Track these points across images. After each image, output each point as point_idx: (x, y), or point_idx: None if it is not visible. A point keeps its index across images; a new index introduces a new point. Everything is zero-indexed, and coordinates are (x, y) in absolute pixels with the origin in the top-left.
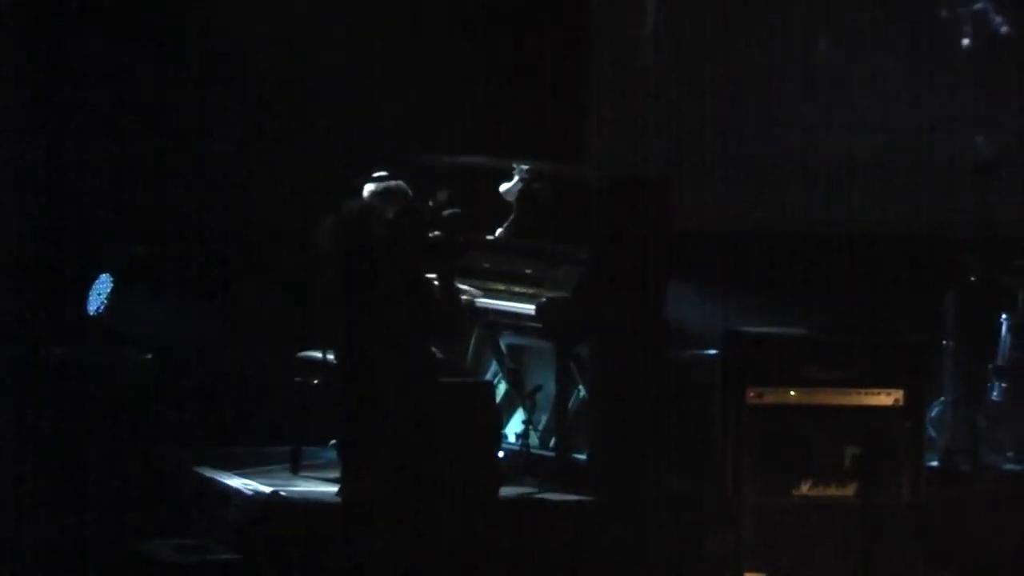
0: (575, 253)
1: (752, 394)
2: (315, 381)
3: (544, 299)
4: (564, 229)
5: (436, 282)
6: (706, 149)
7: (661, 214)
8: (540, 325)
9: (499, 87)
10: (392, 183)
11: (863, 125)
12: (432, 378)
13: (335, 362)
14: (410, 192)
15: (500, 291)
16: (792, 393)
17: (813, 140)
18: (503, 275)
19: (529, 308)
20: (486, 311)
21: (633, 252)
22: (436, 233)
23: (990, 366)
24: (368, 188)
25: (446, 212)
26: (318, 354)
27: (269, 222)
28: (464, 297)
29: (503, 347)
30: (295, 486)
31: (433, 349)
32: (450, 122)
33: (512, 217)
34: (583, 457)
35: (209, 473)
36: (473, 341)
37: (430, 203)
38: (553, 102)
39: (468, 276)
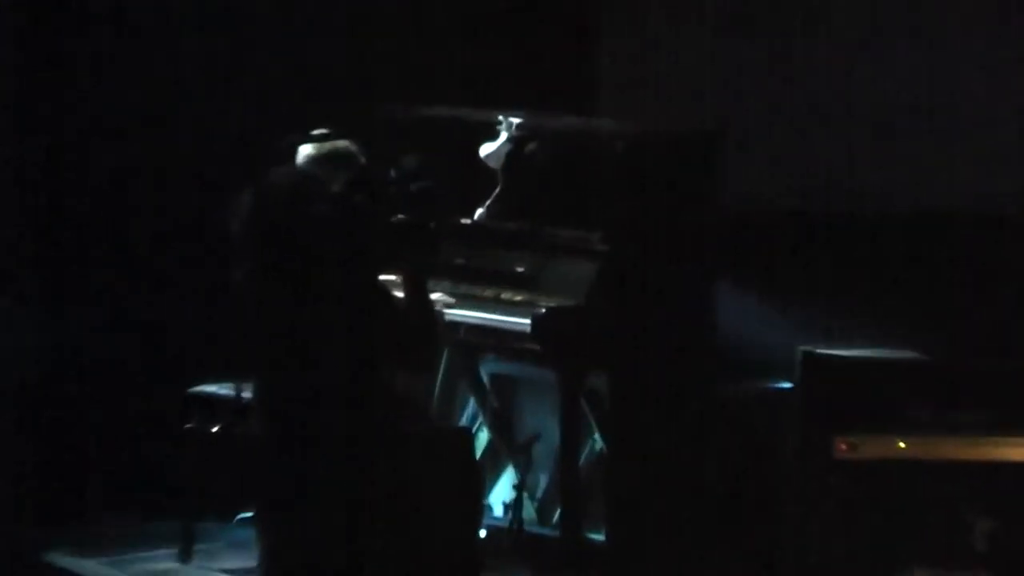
0: (588, 242)
1: (843, 445)
2: (215, 428)
3: (543, 308)
4: (572, 207)
5: (401, 285)
6: (778, 104)
7: (711, 185)
8: (538, 346)
9: (480, 14)
10: (339, 144)
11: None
12: (390, 423)
13: (253, 399)
14: (363, 157)
15: (481, 298)
16: (900, 444)
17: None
18: (485, 275)
19: (522, 322)
20: (461, 327)
21: (670, 239)
22: (400, 217)
23: None
24: (304, 151)
25: (415, 186)
26: (222, 389)
27: (163, 200)
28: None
29: (485, 378)
30: None
31: (392, 381)
32: (414, 62)
33: (497, 192)
34: (600, 537)
35: (66, 562)
36: (443, 370)
37: (392, 173)
38: (554, 33)
39: (436, 277)
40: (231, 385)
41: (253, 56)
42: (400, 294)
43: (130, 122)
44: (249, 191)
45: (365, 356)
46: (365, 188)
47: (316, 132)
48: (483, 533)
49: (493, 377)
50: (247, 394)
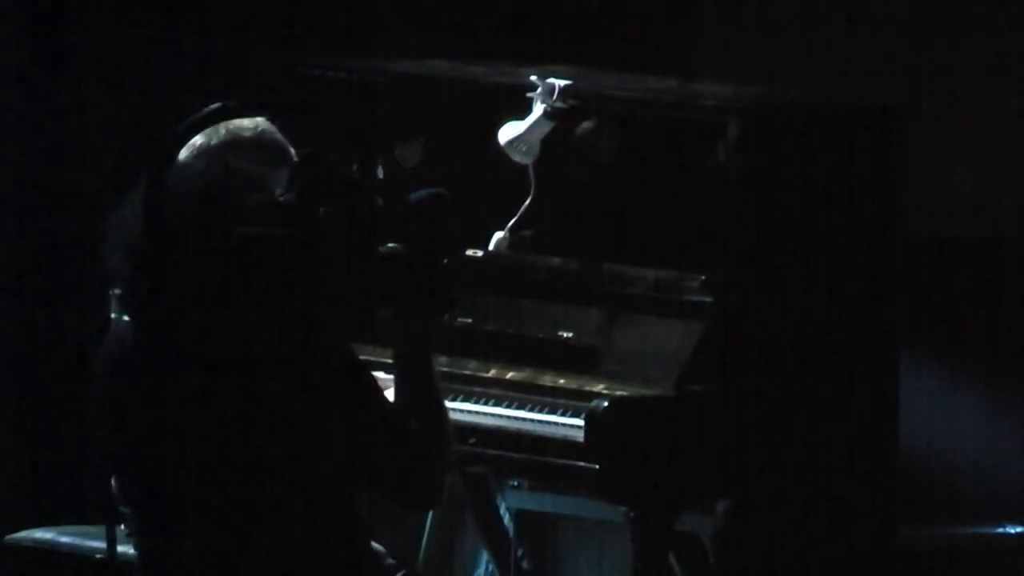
0: (682, 289)
1: None
2: None
3: (605, 402)
4: (654, 231)
5: (390, 363)
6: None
7: (891, 193)
8: (596, 464)
9: None
10: (247, 124)
11: None
12: None
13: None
14: (290, 147)
15: (500, 384)
16: None
17: None
18: (506, 345)
19: (570, 424)
20: (467, 435)
21: (821, 284)
22: (391, 246)
23: None
24: (200, 142)
25: (422, 196)
26: None
27: None
28: None
29: (507, 519)
30: None
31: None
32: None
33: (528, 204)
34: None
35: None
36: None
37: (378, 170)
38: None
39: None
40: None
41: None
42: (385, 377)
43: None
44: (131, 207)
45: (328, 479)
46: (354, 199)
47: (212, 108)
48: None
49: (521, 515)
50: None
